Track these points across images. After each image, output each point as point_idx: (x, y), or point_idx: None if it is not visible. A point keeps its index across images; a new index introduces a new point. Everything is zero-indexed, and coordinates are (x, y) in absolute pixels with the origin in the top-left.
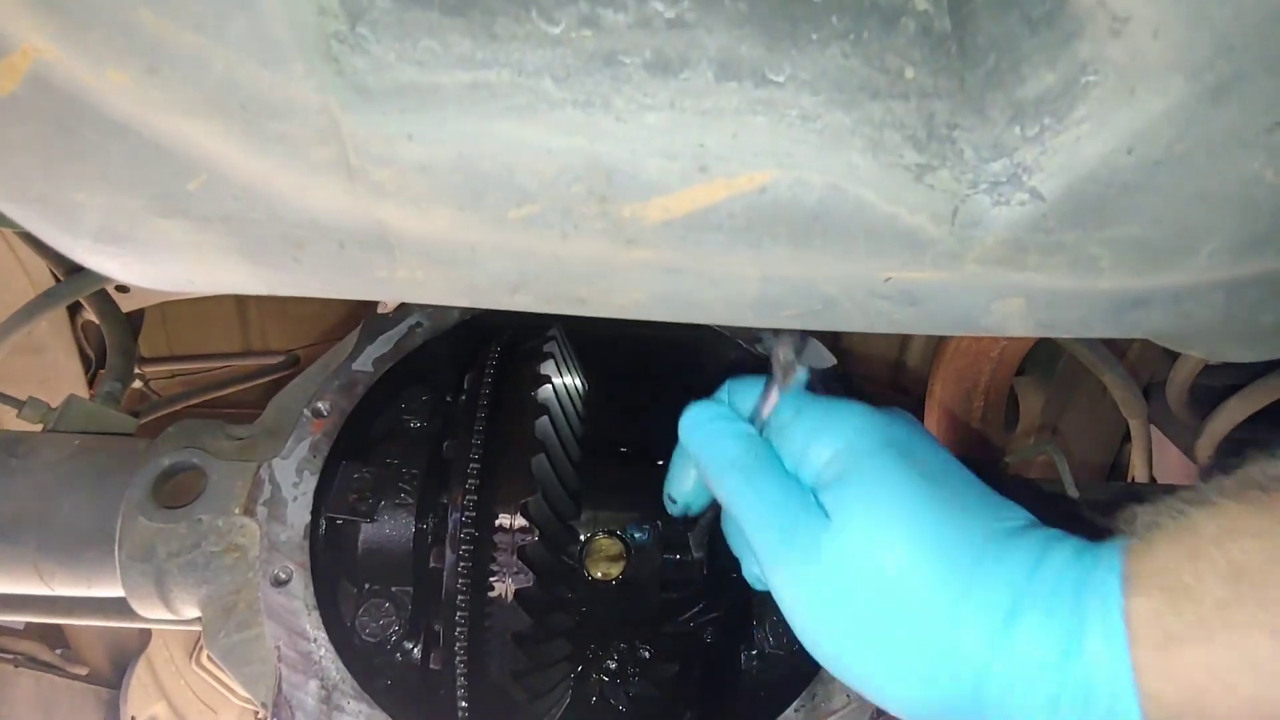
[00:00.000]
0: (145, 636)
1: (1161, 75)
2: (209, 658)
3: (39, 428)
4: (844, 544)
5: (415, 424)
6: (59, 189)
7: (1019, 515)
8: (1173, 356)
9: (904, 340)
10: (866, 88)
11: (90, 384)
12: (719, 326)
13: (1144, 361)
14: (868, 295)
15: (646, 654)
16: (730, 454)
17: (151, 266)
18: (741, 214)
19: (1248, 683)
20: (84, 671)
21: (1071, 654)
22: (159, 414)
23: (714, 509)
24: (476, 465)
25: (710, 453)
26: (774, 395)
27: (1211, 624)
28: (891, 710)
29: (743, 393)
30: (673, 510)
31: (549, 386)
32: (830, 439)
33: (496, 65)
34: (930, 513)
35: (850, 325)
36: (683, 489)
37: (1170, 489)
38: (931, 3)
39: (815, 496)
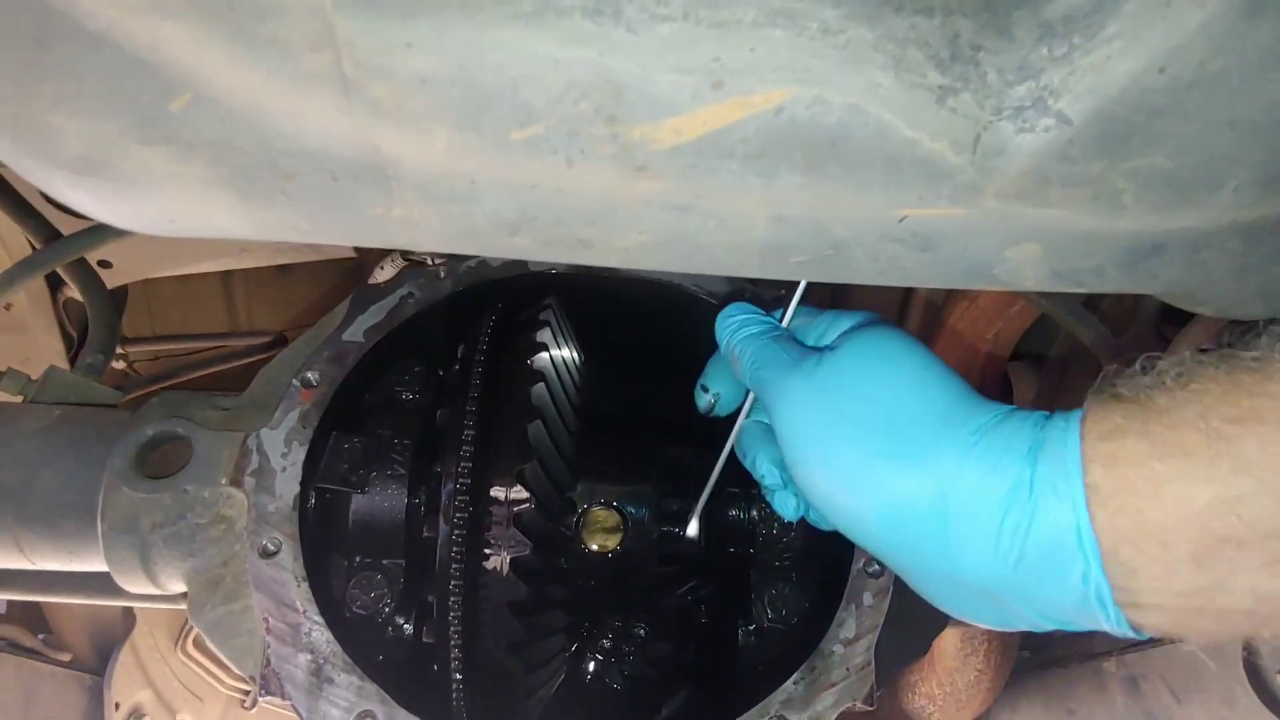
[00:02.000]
0: (129, 622)
1: None
2: (195, 644)
3: (19, 399)
4: (842, 364)
5: (407, 395)
6: (35, 110)
7: (999, 406)
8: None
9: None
10: (890, 1)
11: (72, 363)
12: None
13: (1136, 349)
14: (879, 239)
15: (643, 631)
16: (755, 330)
17: (131, 203)
18: (755, 138)
19: (1177, 472)
20: (67, 658)
21: (1033, 455)
22: (143, 392)
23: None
24: (471, 432)
25: (738, 334)
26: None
27: (1150, 422)
28: (856, 530)
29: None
30: (702, 402)
31: (545, 355)
32: (844, 322)
33: None
34: (923, 363)
35: (859, 274)
36: (715, 380)
37: None
38: None
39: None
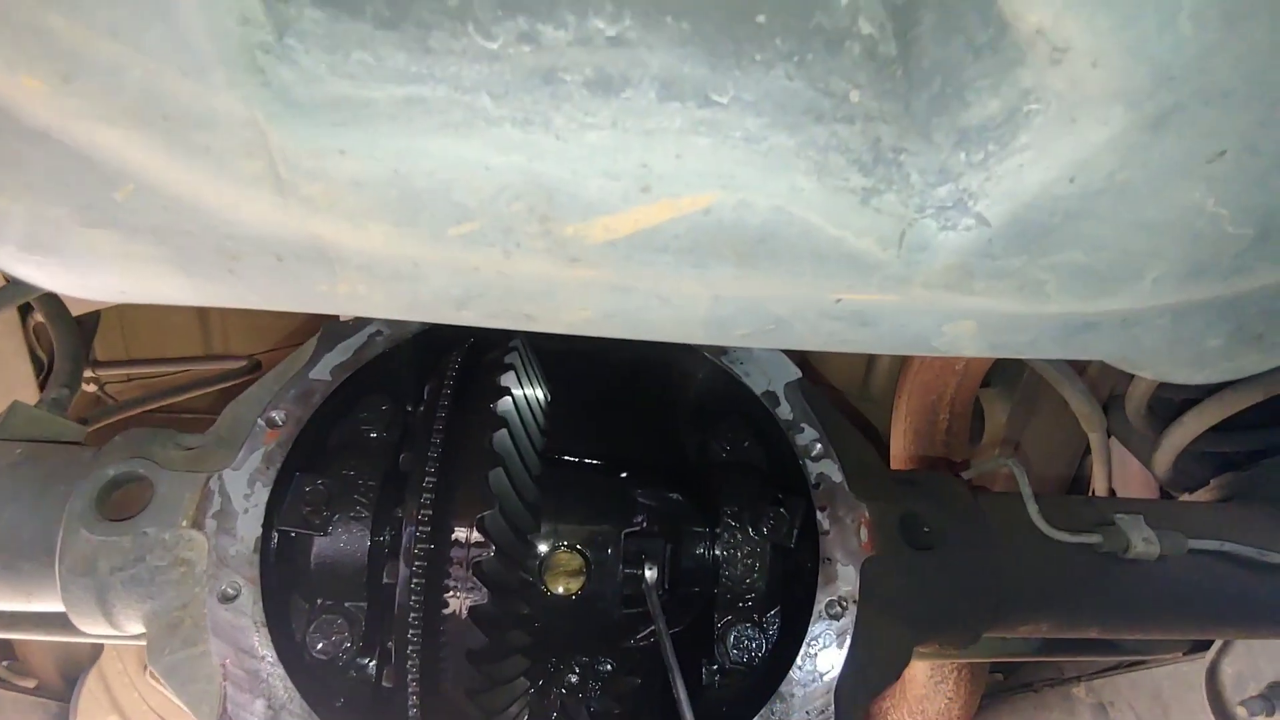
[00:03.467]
0: (97, 648)
1: (1102, 104)
2: None
3: None
4: None
5: (373, 434)
6: None
7: None
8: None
9: (871, 354)
10: (811, 110)
11: (42, 387)
12: None
13: (1104, 376)
14: (819, 316)
15: (608, 668)
16: None
17: (80, 277)
18: (686, 235)
19: None
20: (32, 684)
21: None
22: (113, 419)
23: None
24: (433, 479)
25: None
26: None
27: None
28: None
29: None
30: None
31: (509, 399)
32: None
33: (432, 80)
34: None
35: (803, 345)
36: None
37: (1131, 503)
38: (876, 26)
39: None
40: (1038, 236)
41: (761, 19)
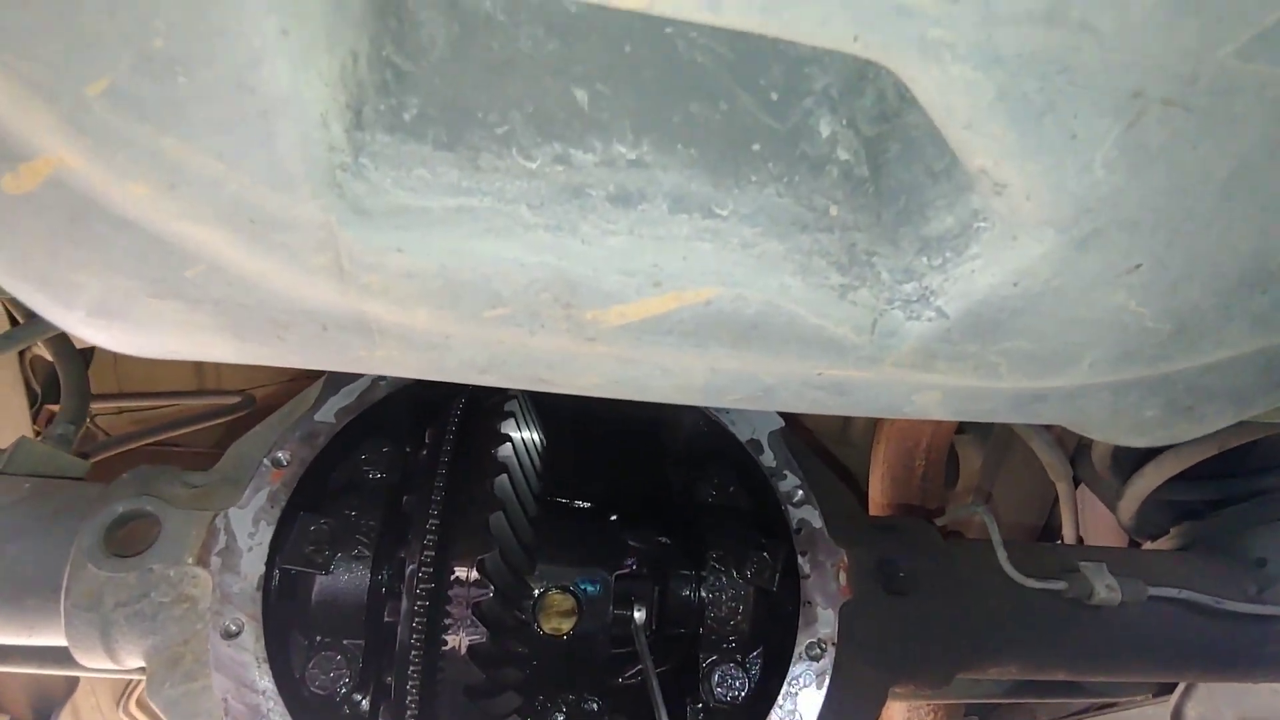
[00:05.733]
0: (72, 682)
1: (1036, 227)
2: (138, 703)
3: None
4: None
5: (375, 475)
6: (61, 271)
7: None
8: None
9: None
10: (797, 222)
11: (35, 418)
12: None
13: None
14: (803, 385)
15: (594, 706)
16: None
17: (140, 339)
18: (690, 321)
19: None
20: (4, 719)
21: None
22: (108, 453)
23: None
24: (436, 521)
25: None
26: None
27: None
28: None
29: None
30: None
31: (509, 444)
32: None
33: (479, 193)
34: None
35: (789, 408)
36: None
37: (1095, 551)
38: (852, 153)
39: None
40: (989, 328)
41: (756, 147)
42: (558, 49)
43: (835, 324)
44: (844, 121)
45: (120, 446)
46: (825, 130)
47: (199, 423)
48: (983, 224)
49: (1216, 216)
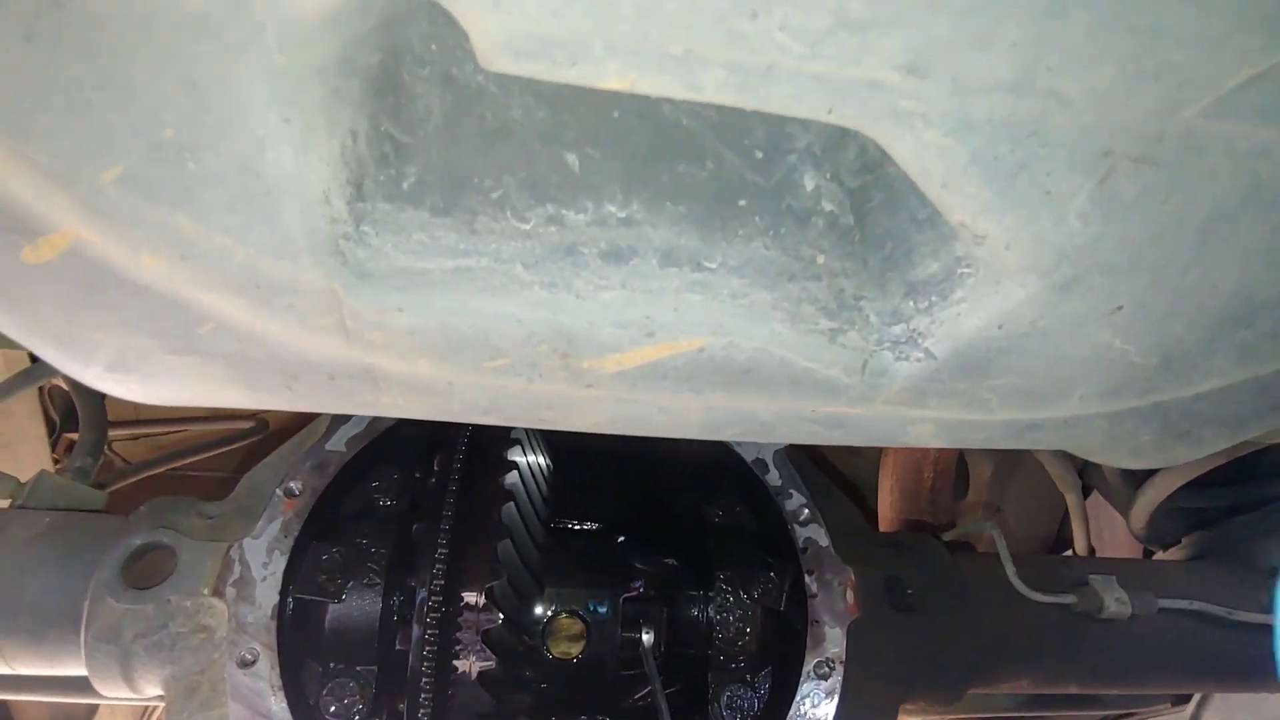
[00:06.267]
0: (91, 709)
1: (1018, 274)
2: None
3: (7, 503)
4: None
5: (385, 502)
6: (78, 332)
7: None
8: None
9: None
10: (785, 272)
11: (53, 446)
12: None
13: None
14: (799, 420)
15: None
16: None
17: (156, 390)
18: (684, 367)
19: None
20: None
21: None
22: (126, 481)
23: None
24: (445, 550)
25: None
26: None
27: None
28: None
29: None
30: None
31: (515, 472)
32: None
33: (476, 254)
34: None
35: (786, 440)
36: None
37: (1106, 563)
38: (836, 204)
39: None
40: (977, 367)
41: (743, 203)
42: (548, 117)
43: (826, 366)
44: (828, 175)
45: (138, 474)
46: (809, 184)
47: (214, 448)
48: (966, 270)
49: (1194, 260)
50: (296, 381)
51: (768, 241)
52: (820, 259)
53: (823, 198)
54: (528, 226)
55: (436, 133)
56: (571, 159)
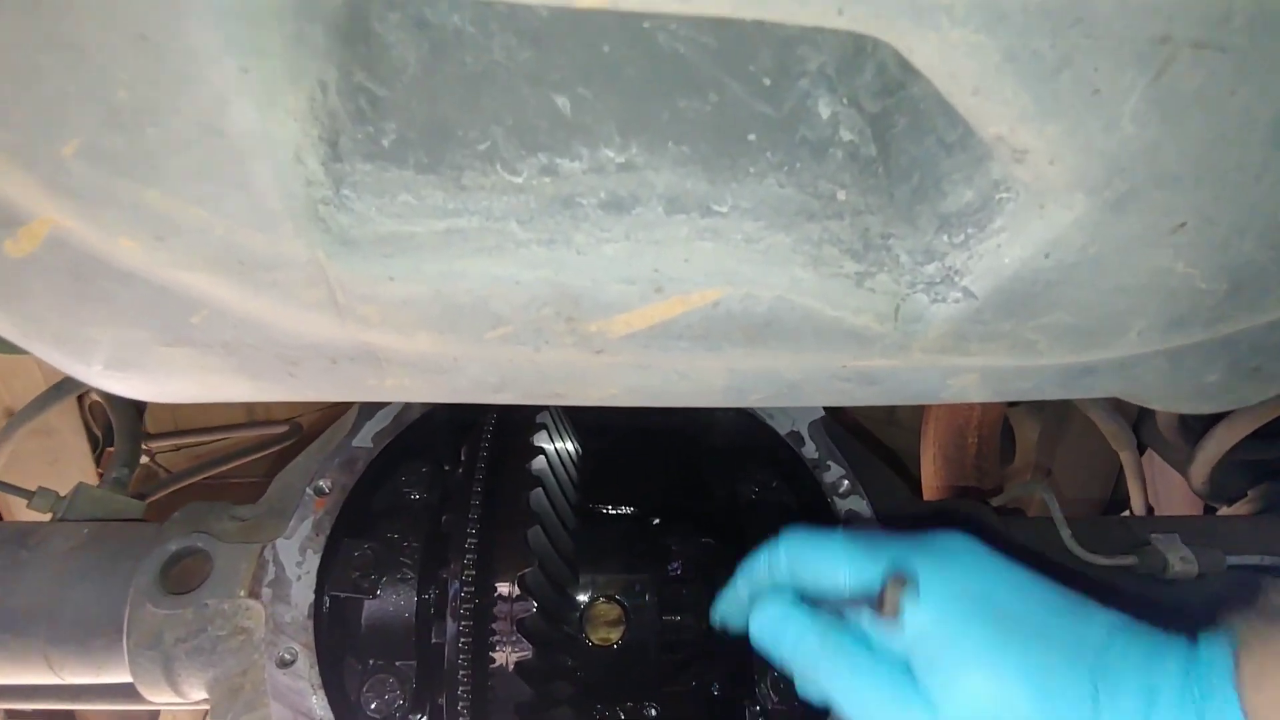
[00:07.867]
0: (154, 715)
1: (1065, 193)
2: None
3: (48, 516)
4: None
5: (415, 495)
6: (73, 328)
7: (1104, 621)
8: None
9: None
10: (803, 211)
11: (98, 461)
12: None
13: None
14: (829, 379)
15: (654, 712)
16: (813, 653)
17: (158, 386)
18: (699, 324)
19: None
20: None
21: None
22: (166, 490)
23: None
24: (474, 540)
25: (793, 654)
26: (866, 613)
27: None
28: None
29: (803, 558)
30: (714, 622)
31: (542, 457)
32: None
33: (466, 213)
34: (1029, 681)
35: (817, 402)
36: (727, 615)
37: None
38: (856, 133)
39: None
40: (1023, 303)
41: (752, 137)
42: (533, 57)
43: (855, 314)
44: (844, 100)
45: (177, 484)
46: (825, 111)
47: (250, 454)
48: (1005, 194)
49: (1266, 164)
50: (298, 368)
51: (782, 178)
52: (841, 195)
53: (840, 126)
54: (520, 179)
55: (415, 83)
56: (561, 101)
